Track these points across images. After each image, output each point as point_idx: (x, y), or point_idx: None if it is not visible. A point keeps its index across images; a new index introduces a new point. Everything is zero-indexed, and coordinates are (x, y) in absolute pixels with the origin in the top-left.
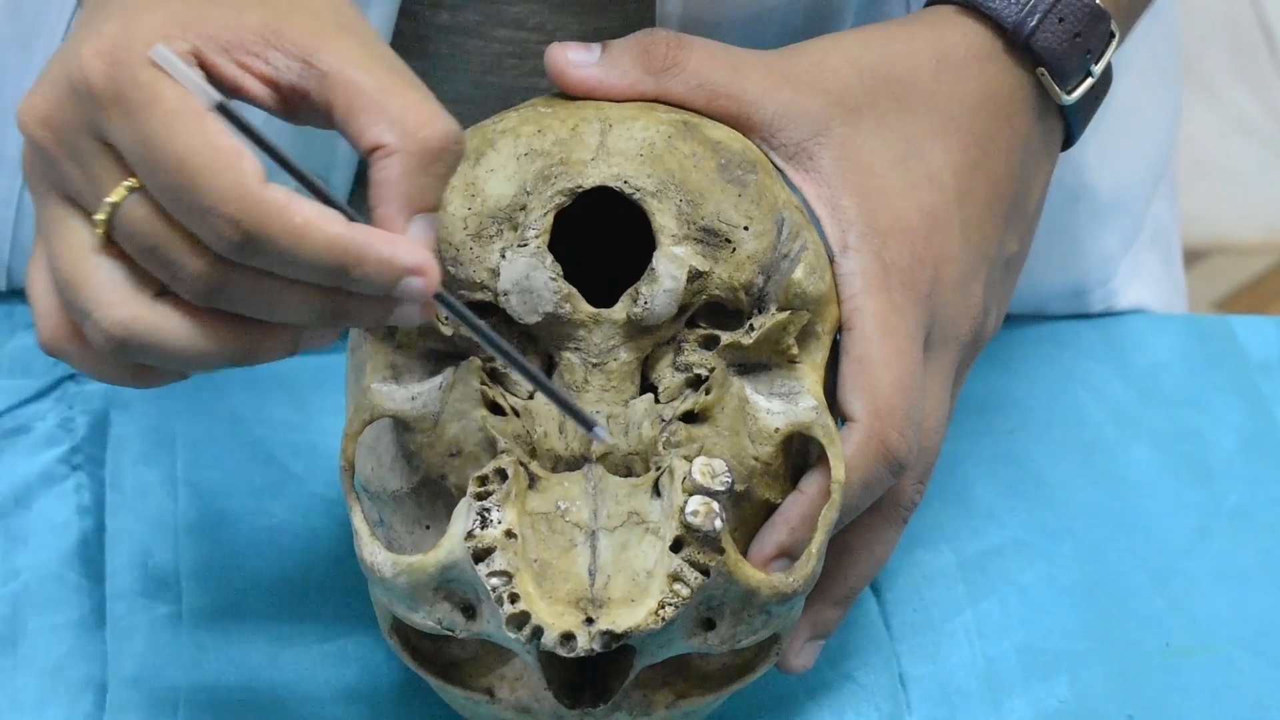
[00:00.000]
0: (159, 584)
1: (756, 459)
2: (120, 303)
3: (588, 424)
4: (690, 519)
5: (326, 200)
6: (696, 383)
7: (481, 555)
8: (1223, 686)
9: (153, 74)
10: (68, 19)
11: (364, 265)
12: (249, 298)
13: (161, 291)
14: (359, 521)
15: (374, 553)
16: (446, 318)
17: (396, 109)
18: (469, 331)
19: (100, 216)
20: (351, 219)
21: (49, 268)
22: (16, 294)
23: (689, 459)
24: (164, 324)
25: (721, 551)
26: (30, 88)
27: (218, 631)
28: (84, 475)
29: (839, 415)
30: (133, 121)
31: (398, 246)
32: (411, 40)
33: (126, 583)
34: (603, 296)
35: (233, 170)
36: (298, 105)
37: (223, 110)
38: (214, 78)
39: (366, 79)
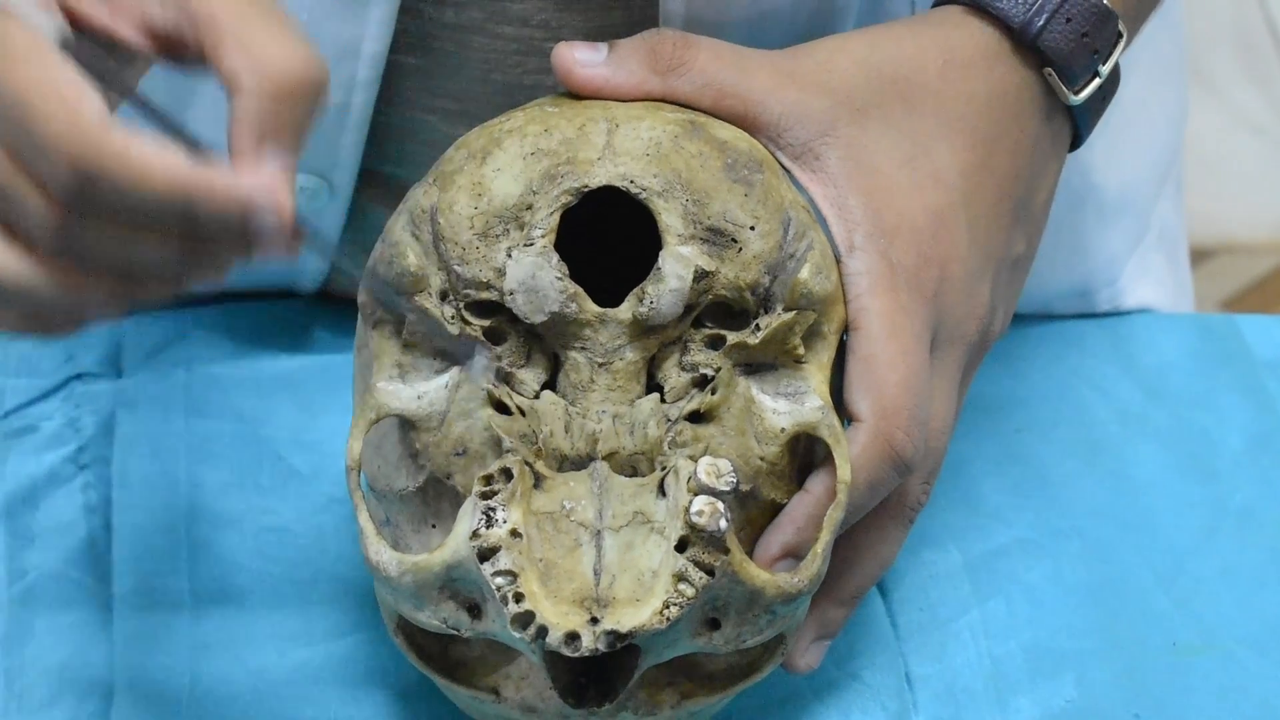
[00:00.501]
0: (165, 583)
1: (762, 459)
2: None
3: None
4: (695, 519)
5: (182, 137)
6: (702, 383)
7: (486, 555)
8: (1229, 686)
9: (1, 12)
10: None
11: (211, 200)
12: (99, 245)
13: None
14: (364, 520)
15: (379, 552)
16: (452, 317)
17: (256, 43)
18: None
19: None
20: (203, 158)
21: None
22: None
23: (694, 459)
24: (19, 268)
25: (726, 551)
26: None
27: (224, 630)
28: (91, 475)
29: (845, 415)
30: None
31: (242, 177)
32: (416, 38)
33: (133, 582)
34: (609, 296)
35: (70, 109)
36: (180, 52)
37: (70, 49)
38: (83, 21)
39: (228, 15)
